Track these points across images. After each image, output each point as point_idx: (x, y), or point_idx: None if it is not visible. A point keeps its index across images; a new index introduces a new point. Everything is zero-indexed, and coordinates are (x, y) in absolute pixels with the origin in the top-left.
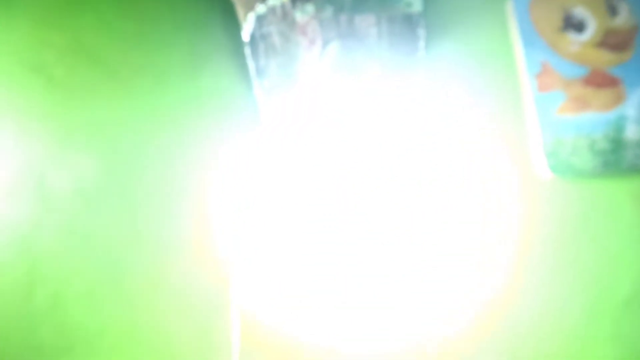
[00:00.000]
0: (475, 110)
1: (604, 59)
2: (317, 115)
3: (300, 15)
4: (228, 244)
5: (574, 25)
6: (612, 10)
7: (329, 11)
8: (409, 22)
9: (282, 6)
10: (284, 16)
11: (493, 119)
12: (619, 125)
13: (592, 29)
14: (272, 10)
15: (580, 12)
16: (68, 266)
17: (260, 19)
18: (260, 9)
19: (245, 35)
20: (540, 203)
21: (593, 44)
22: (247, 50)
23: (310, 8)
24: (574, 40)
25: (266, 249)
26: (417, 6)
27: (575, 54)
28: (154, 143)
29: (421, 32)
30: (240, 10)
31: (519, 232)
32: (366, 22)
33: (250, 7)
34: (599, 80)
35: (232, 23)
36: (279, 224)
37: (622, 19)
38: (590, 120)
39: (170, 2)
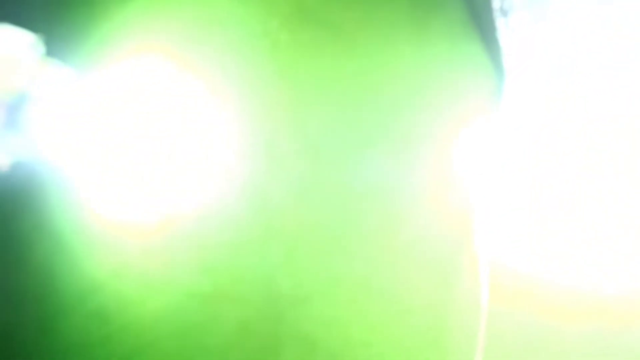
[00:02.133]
0: None
1: None
2: (571, 56)
3: None
4: (469, 192)
5: None
6: None
7: None
8: None
9: None
10: None
11: None
12: None
13: None
14: None
15: None
16: (301, 221)
17: None
18: None
19: None
20: None
21: None
22: None
23: None
24: None
25: (511, 195)
26: None
27: None
28: (384, 97)
29: None
30: None
31: None
32: None
33: None
34: None
35: None
36: (521, 170)
37: None
38: None
39: None
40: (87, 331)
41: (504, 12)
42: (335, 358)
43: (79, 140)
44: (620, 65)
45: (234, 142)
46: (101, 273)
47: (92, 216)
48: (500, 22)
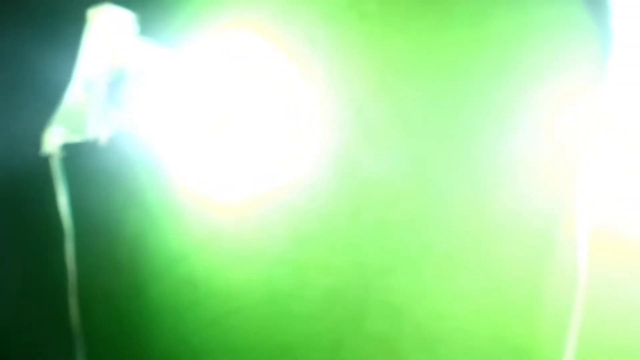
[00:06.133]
0: None
1: None
2: None
3: None
4: (570, 161)
5: None
6: None
7: None
8: None
9: None
10: None
11: None
12: None
13: None
14: None
15: None
16: (391, 191)
17: None
18: None
19: None
20: None
21: None
22: None
23: None
24: None
25: (613, 163)
26: None
27: None
28: (478, 68)
29: None
30: None
31: None
32: None
33: None
34: None
35: None
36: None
37: None
38: None
39: None
40: (176, 296)
41: None
42: (420, 328)
43: (174, 115)
44: None
45: (325, 113)
46: (190, 242)
47: (183, 188)
48: None
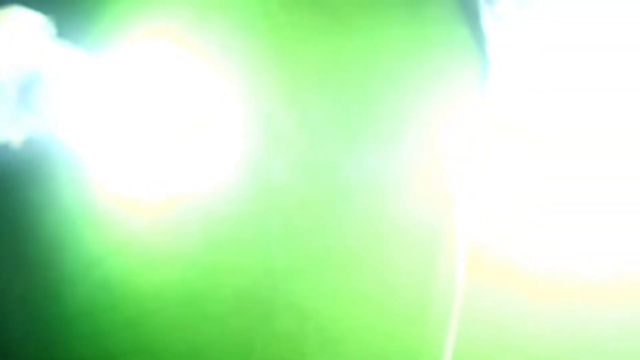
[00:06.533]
0: None
1: None
2: (562, 47)
3: None
4: (453, 176)
5: None
6: None
7: None
8: None
9: None
10: None
11: None
12: None
13: None
14: None
15: None
16: (298, 197)
17: None
18: None
19: None
20: None
21: None
22: None
23: None
24: None
25: (493, 178)
26: None
27: None
28: (377, 80)
29: None
30: None
31: None
32: None
33: None
34: None
35: None
36: (504, 153)
37: None
38: None
39: None
40: (92, 299)
41: (489, 1)
42: (324, 327)
43: (89, 118)
44: (606, 57)
45: (237, 120)
46: (107, 245)
47: (100, 191)
48: (485, 10)
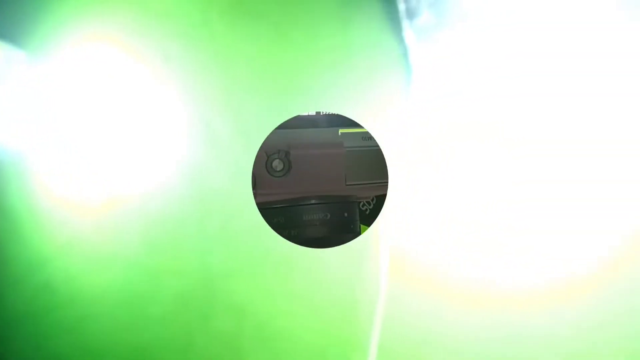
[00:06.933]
0: None
1: None
2: (475, 60)
3: None
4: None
5: None
6: None
7: None
8: None
9: None
10: None
11: None
12: None
13: None
14: None
15: None
16: (234, 201)
17: None
18: None
19: None
20: None
21: None
22: None
23: None
24: None
25: (414, 187)
26: None
27: None
28: (310, 89)
29: None
30: None
31: None
32: None
33: None
34: None
35: None
36: (424, 163)
37: None
38: None
39: None
40: (35, 301)
41: (410, 15)
42: (261, 326)
43: (29, 121)
44: (526, 72)
45: (176, 126)
46: (50, 247)
47: (42, 194)
48: (405, 24)
